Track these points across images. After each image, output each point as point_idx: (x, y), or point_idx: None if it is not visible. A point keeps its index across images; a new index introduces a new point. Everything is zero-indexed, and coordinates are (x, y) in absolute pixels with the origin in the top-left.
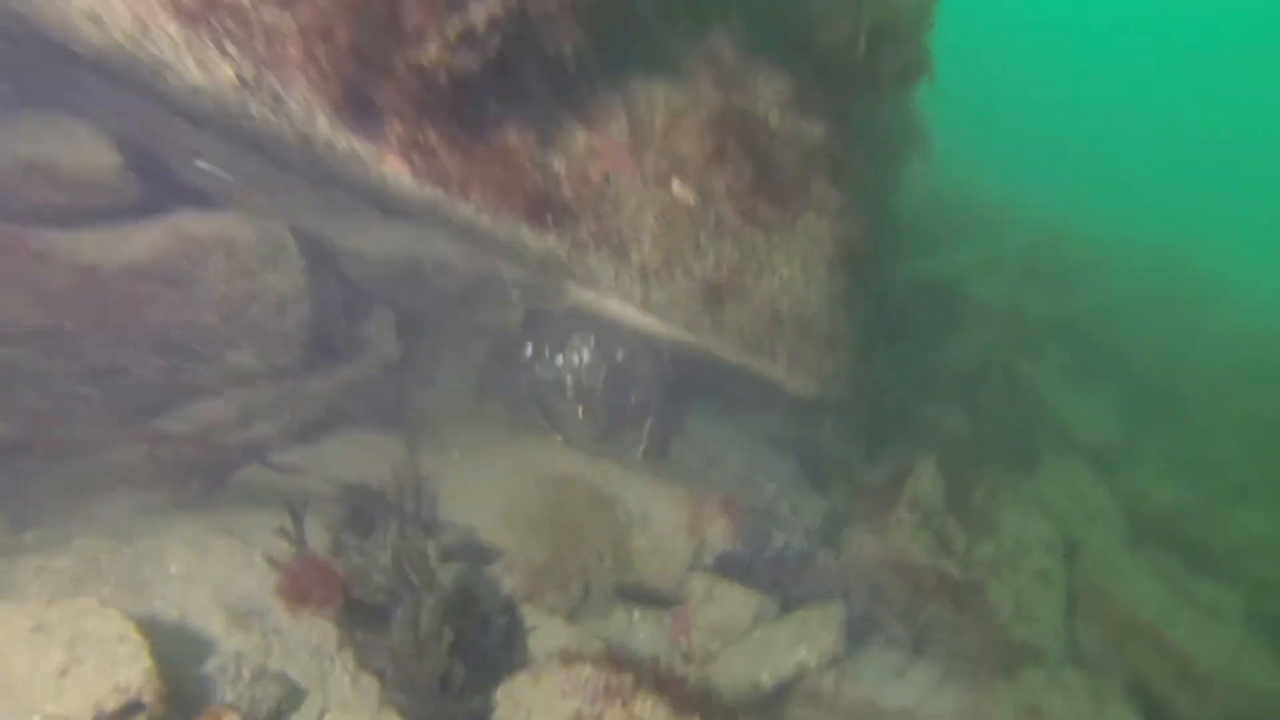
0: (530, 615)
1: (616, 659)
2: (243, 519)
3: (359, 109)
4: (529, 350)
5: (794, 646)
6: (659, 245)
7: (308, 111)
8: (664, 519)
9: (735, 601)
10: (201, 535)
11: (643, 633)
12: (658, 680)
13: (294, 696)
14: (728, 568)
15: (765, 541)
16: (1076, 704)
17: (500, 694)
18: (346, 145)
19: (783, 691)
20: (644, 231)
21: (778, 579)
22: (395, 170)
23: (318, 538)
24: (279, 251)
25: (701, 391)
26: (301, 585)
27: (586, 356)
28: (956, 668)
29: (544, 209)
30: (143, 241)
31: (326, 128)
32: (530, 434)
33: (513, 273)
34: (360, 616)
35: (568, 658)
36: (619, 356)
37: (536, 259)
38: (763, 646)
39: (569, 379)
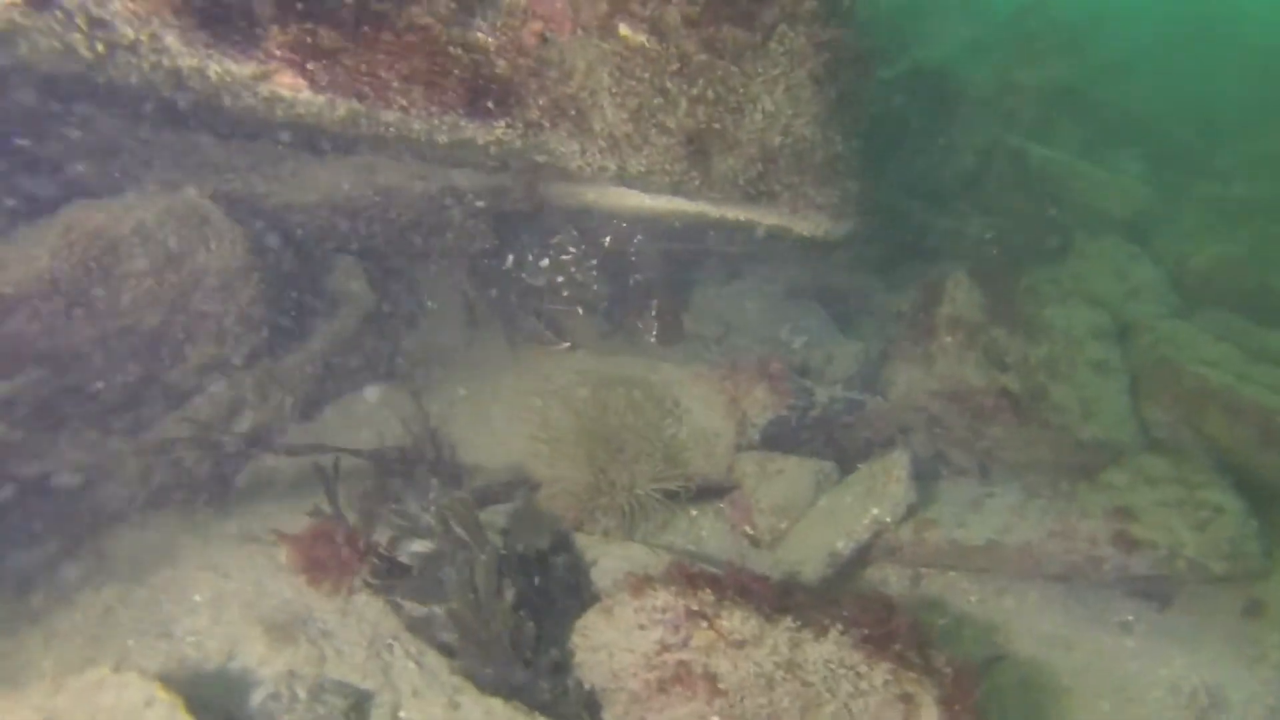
0: (586, 544)
1: (690, 575)
2: (260, 520)
3: (216, 18)
4: (510, 260)
5: (864, 506)
6: (622, 105)
7: (147, 30)
8: (698, 402)
9: (792, 474)
10: (219, 551)
11: (704, 530)
12: (740, 587)
13: (360, 702)
14: (775, 438)
15: (809, 400)
16: (1165, 494)
17: (576, 639)
18: (220, 70)
19: (862, 553)
20: (601, 93)
21: (830, 437)
22: (293, 88)
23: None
24: (203, 226)
25: (702, 256)
26: (313, 556)
27: (573, 250)
28: (1033, 486)
29: (481, 94)
30: (30, 254)
31: (183, 50)
32: (534, 349)
33: (471, 180)
34: (412, 587)
35: (636, 585)
36: (607, 241)
37: (491, 156)
38: (832, 514)
39: (560, 279)
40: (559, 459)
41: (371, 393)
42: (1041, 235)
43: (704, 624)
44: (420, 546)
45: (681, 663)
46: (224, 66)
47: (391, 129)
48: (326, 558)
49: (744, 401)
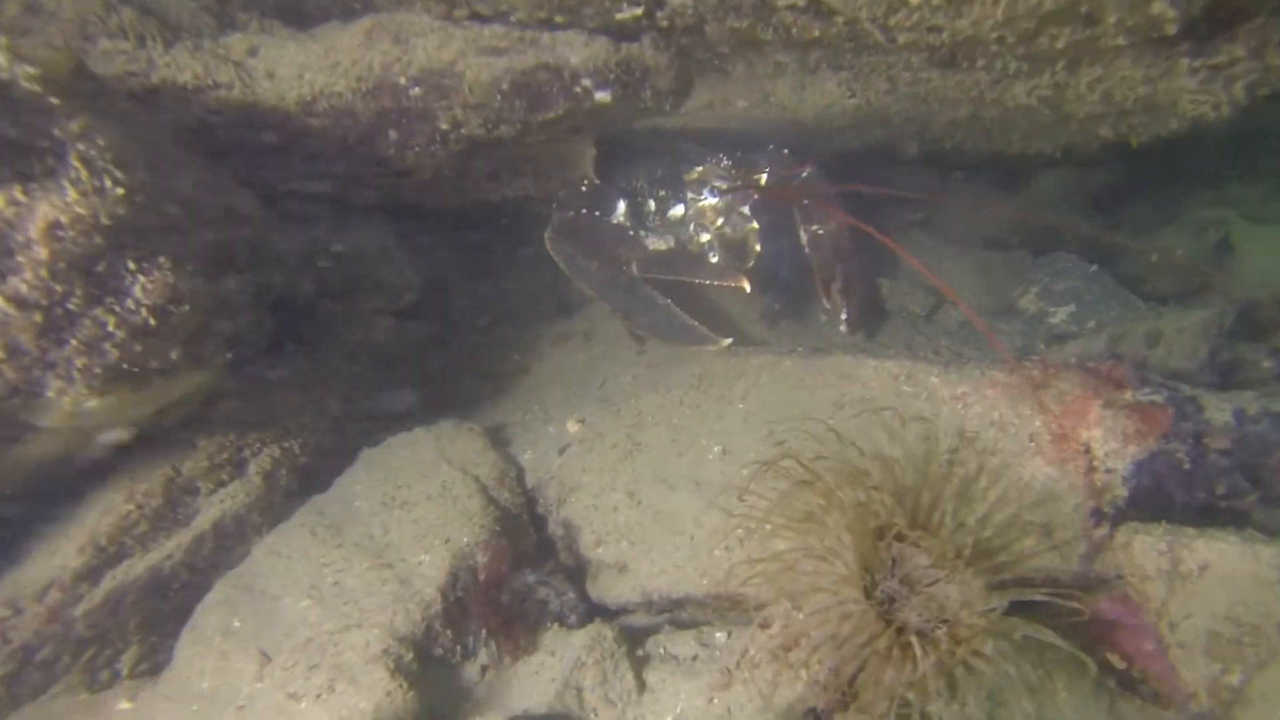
0: None
1: None
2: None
3: None
4: (620, 209)
5: None
6: None
7: None
8: (997, 432)
9: (1229, 568)
10: None
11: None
12: None
13: None
14: (1152, 495)
15: (1199, 421)
16: None
17: None
18: None
19: None
20: None
21: (1254, 483)
22: None
23: None
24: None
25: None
26: None
27: (721, 189)
28: None
29: None
30: None
31: None
32: (674, 349)
33: (584, 51)
34: None
35: None
36: (765, 175)
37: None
38: None
39: (705, 237)
40: (795, 570)
41: (422, 438)
42: None
43: None
44: None
45: None
46: None
47: None
48: None
49: (1078, 429)
